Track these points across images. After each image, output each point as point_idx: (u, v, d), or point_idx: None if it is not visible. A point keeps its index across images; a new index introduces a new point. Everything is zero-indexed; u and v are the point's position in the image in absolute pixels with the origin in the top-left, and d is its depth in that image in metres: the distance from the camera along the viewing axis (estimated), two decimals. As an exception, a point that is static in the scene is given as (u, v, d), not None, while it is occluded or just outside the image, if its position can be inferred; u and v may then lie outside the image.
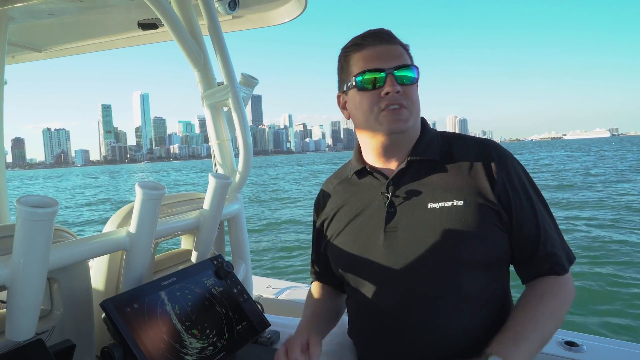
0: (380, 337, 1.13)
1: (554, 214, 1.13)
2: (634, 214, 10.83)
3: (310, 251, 1.45)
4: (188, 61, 1.74)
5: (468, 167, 1.10)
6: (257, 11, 1.99)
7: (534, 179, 1.15)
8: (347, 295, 1.27)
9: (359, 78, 1.10)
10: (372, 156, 1.20)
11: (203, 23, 1.78)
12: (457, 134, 1.23)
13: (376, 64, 1.08)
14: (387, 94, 1.07)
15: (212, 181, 1.47)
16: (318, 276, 1.42)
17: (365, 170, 1.22)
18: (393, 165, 1.17)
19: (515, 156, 1.16)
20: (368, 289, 1.14)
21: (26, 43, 2.37)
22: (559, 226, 1.13)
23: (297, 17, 1.95)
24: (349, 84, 1.14)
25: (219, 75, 1.77)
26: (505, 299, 1.13)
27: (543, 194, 1.13)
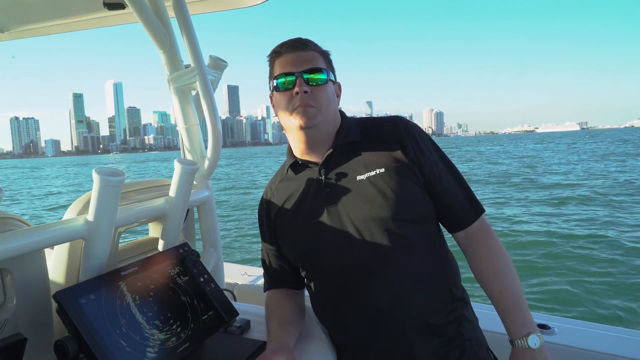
0: (344, 306, 1.24)
1: None
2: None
3: (261, 261, 1.49)
4: (153, 42, 1.68)
5: (383, 141, 1.27)
6: (228, -9, 1.92)
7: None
8: (308, 279, 1.36)
9: (277, 81, 1.26)
10: (300, 150, 1.33)
11: (169, 4, 1.71)
12: (370, 117, 1.41)
13: (288, 69, 1.24)
14: (296, 93, 1.22)
15: (177, 167, 1.42)
16: (273, 282, 1.45)
17: (297, 164, 1.36)
18: (320, 154, 1.31)
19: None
20: (325, 266, 1.26)
21: (-14, 23, 2.25)
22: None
23: None
24: (271, 86, 1.30)
25: (187, 58, 1.71)
26: (443, 246, 1.30)
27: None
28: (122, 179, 1.16)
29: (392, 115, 1.39)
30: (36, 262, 1.15)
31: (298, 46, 1.27)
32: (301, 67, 1.24)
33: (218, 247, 1.90)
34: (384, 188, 1.20)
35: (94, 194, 1.15)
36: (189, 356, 1.16)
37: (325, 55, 1.31)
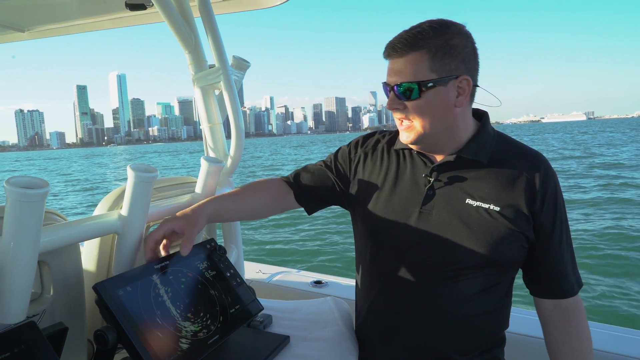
0: (388, 301, 1.21)
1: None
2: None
3: (303, 167, 1.47)
4: (179, 43, 1.71)
5: (513, 177, 1.13)
6: (248, -8, 1.95)
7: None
8: (363, 261, 1.32)
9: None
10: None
11: (194, 4, 1.74)
12: (514, 140, 1.24)
13: (386, 79, 1.14)
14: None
15: (204, 165, 1.45)
16: (295, 185, 1.42)
17: (413, 151, 1.26)
18: (439, 156, 1.21)
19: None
20: (389, 259, 1.21)
21: (9, 23, 2.29)
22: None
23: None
24: None
25: (210, 57, 1.74)
26: (510, 295, 1.22)
27: None
28: (155, 175, 1.19)
29: (535, 150, 1.22)
30: (72, 255, 1.19)
31: (393, 51, 1.10)
32: (393, 79, 1.11)
33: (239, 243, 1.93)
34: (489, 226, 1.10)
35: (128, 189, 1.18)
36: (217, 348, 1.19)
37: (437, 50, 1.06)
